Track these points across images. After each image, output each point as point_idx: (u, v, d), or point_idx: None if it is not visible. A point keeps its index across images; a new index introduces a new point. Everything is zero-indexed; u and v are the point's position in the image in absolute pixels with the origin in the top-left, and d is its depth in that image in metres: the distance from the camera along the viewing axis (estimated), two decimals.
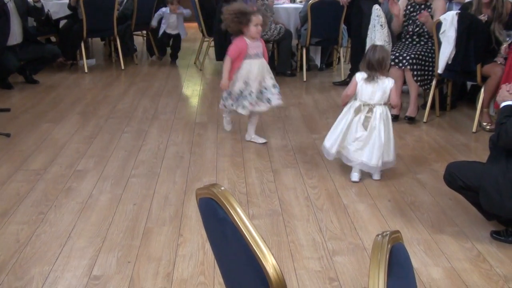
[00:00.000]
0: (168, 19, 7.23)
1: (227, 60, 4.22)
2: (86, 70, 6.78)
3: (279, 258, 2.82)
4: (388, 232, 1.07)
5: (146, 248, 2.89)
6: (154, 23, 7.34)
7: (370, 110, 3.63)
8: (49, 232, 3.02)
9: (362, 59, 5.51)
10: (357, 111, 3.65)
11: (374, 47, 3.71)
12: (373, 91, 3.62)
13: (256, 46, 4.26)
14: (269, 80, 4.33)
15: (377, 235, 1.08)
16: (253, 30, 4.14)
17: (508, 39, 4.52)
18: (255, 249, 1.12)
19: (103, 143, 4.42)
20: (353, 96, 3.72)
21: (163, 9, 7.26)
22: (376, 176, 3.77)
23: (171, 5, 7.17)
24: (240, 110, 4.29)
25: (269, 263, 1.11)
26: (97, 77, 6.62)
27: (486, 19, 4.59)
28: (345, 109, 3.74)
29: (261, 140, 4.43)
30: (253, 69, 4.21)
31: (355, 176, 3.73)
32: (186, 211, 3.29)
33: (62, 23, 7.21)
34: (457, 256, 2.87)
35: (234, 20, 4.13)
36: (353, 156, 3.68)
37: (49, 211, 3.26)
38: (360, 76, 3.68)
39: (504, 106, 2.94)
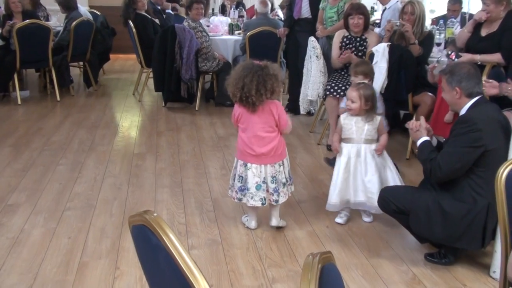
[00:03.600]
0: None
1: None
2: (19, 102, 6.57)
3: None
4: (319, 253, 1.09)
5: (81, 283, 2.79)
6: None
7: None
8: None
9: (299, 89, 5.68)
10: None
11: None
12: None
13: None
14: None
15: (308, 255, 1.09)
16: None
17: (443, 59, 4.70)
18: (188, 274, 1.11)
19: (36, 176, 4.27)
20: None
21: None
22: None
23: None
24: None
25: (202, 287, 1.10)
26: (31, 109, 6.42)
27: (409, 28, 4.82)
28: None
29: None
30: None
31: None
32: (123, 244, 3.21)
33: None
34: (393, 279, 2.93)
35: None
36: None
37: None
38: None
39: (422, 143, 3.07)
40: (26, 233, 3.31)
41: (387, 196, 3.04)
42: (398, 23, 4.92)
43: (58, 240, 3.24)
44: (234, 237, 3.35)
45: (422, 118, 3.18)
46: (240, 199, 3.36)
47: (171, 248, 1.15)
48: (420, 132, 3.09)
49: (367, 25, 5.23)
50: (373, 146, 3.50)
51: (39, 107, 6.55)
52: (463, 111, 2.98)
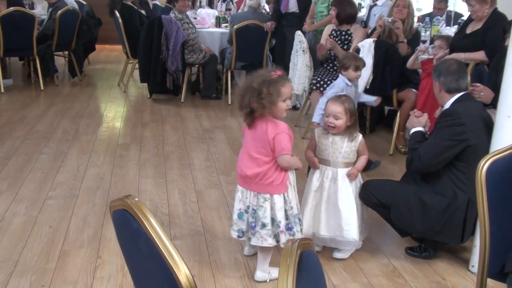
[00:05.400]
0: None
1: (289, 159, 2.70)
2: (2, 90, 6.49)
3: (200, 278, 2.80)
4: (298, 239, 1.09)
5: (62, 271, 2.78)
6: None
7: None
8: None
9: None
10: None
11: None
12: None
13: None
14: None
15: (288, 241, 1.10)
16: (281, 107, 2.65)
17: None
18: (168, 258, 1.11)
19: (18, 164, 4.23)
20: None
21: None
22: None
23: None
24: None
25: (182, 272, 1.10)
26: (14, 98, 6.35)
27: (400, 25, 4.86)
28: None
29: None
30: None
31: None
32: (105, 233, 3.20)
33: None
34: (374, 272, 2.96)
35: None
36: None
37: None
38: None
39: (414, 132, 3.11)
40: (7, 221, 3.28)
41: (369, 190, 3.06)
42: (390, 20, 4.94)
43: (39, 228, 3.22)
44: (217, 229, 3.35)
45: (426, 114, 3.19)
46: None
47: (151, 233, 1.15)
48: (419, 121, 3.11)
49: (345, 19, 5.19)
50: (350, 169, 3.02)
51: (23, 96, 6.48)
52: (446, 106, 3.01)
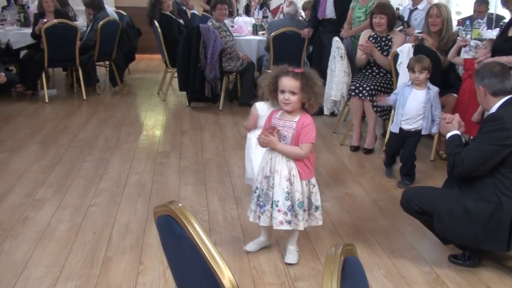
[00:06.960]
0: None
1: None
2: (46, 100, 6.69)
3: (241, 285, 2.80)
4: (341, 245, 1.09)
5: (106, 277, 2.83)
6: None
7: None
8: (4, 262, 2.94)
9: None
10: None
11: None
12: None
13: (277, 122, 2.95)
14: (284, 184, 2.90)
15: (331, 247, 1.10)
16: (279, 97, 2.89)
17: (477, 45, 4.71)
18: (212, 263, 1.12)
19: (63, 172, 4.35)
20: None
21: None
22: None
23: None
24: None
25: (226, 276, 1.11)
26: (58, 107, 6.54)
27: (430, 42, 4.80)
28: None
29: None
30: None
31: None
32: (147, 239, 3.25)
33: (22, 53, 7.14)
34: (416, 280, 2.91)
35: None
36: None
37: (5, 241, 3.17)
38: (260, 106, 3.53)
39: (451, 136, 3.05)
40: (53, 228, 3.37)
41: (410, 197, 3.02)
42: (420, 37, 4.90)
43: (83, 235, 3.30)
44: (257, 235, 3.35)
45: (457, 114, 3.15)
46: None
47: (195, 237, 1.17)
48: (452, 125, 3.07)
49: (392, 25, 5.20)
50: None
51: (66, 105, 6.66)
52: (492, 110, 2.95)
